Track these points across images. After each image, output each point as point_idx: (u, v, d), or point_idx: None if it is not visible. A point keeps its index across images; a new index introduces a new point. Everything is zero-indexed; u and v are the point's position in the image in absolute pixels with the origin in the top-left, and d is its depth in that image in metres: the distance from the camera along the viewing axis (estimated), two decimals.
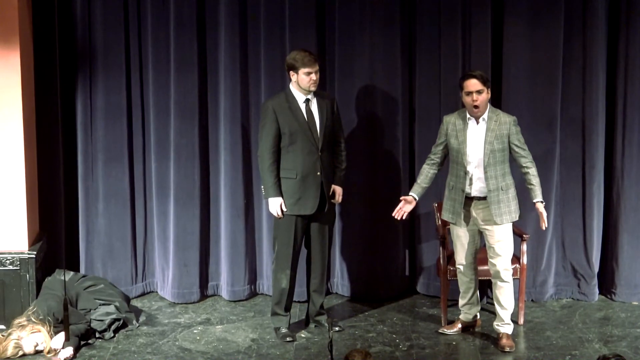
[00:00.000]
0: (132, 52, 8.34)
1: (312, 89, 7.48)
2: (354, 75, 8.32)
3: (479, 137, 7.34)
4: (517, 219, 7.48)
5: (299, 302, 8.19)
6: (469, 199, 7.40)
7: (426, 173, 7.54)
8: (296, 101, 7.51)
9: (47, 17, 8.03)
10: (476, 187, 7.37)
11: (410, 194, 7.55)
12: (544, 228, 7.43)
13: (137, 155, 8.49)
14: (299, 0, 8.21)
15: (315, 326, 7.85)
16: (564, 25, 8.21)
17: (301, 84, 7.46)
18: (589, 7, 8.18)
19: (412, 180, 8.42)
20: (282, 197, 7.50)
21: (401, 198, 7.55)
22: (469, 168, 7.35)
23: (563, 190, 8.43)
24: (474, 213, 7.42)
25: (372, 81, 8.28)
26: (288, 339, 7.62)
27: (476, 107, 7.28)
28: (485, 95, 7.31)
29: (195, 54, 8.29)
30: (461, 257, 7.56)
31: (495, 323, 7.56)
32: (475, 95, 7.27)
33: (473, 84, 7.27)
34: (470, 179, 7.36)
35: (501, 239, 7.39)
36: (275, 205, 7.51)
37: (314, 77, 7.43)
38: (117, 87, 8.34)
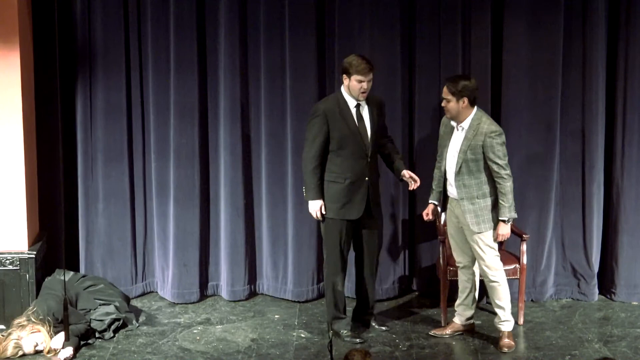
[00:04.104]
0: (132, 52, 8.34)
1: (361, 98, 7.41)
2: None
3: (456, 145, 7.34)
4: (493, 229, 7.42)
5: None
6: (453, 200, 7.45)
7: (438, 178, 7.55)
8: (347, 106, 7.45)
9: (47, 17, 8.03)
10: (451, 191, 7.42)
11: (430, 201, 7.58)
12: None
13: (137, 155, 8.49)
14: (298, 0, 8.21)
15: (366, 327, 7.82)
16: (564, 25, 8.21)
17: (351, 90, 7.40)
18: (589, 7, 8.17)
19: None
20: (323, 200, 7.47)
21: (426, 212, 7.57)
22: (447, 172, 7.39)
23: (563, 190, 8.42)
24: (456, 212, 7.45)
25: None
26: (357, 340, 7.56)
27: (447, 110, 7.33)
28: (454, 104, 7.23)
29: (195, 54, 8.28)
30: (458, 256, 7.59)
31: (495, 320, 7.56)
32: (444, 102, 7.29)
33: (443, 90, 7.29)
34: (447, 182, 7.41)
35: (480, 242, 7.36)
36: (315, 207, 7.48)
37: (365, 86, 7.35)
38: (117, 87, 8.34)
